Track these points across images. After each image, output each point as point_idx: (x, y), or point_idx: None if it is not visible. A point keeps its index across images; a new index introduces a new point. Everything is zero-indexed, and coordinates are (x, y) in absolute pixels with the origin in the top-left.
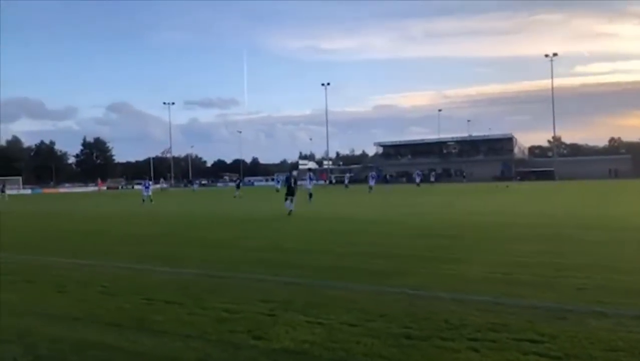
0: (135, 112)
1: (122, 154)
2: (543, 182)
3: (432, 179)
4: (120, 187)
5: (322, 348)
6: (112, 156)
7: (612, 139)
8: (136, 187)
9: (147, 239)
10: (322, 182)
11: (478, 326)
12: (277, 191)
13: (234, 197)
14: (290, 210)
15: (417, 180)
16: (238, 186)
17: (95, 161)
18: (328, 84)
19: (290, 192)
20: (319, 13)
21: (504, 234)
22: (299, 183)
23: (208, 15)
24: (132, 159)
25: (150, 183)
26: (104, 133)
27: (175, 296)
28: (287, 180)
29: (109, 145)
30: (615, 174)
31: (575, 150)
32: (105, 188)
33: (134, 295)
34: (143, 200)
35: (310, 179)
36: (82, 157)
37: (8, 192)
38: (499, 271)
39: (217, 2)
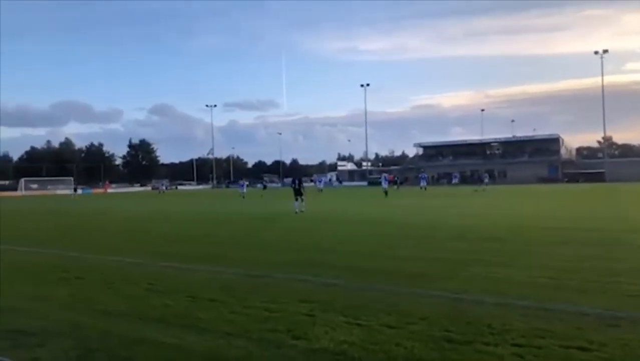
0: (176, 114)
1: (165, 155)
2: (592, 184)
3: (486, 180)
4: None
5: (361, 349)
6: (157, 157)
7: None
8: (179, 187)
9: (191, 239)
10: (384, 184)
11: (523, 332)
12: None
13: (261, 196)
14: (301, 210)
15: (422, 183)
16: (264, 187)
17: (140, 162)
18: (367, 84)
19: (297, 193)
20: (357, 14)
21: (551, 238)
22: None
23: (246, 19)
24: (176, 160)
25: (246, 183)
26: (147, 135)
27: (219, 294)
28: (293, 182)
29: (154, 146)
30: None
31: (628, 151)
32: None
33: (179, 293)
34: (243, 197)
35: (320, 181)
36: (128, 158)
37: (60, 192)
38: (544, 275)
39: (255, 6)
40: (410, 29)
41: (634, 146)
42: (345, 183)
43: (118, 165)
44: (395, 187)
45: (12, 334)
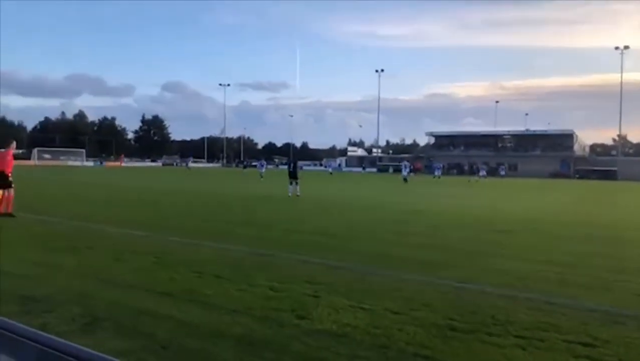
0: (189, 92)
1: (177, 132)
2: (604, 182)
3: (502, 172)
4: (175, 164)
5: (364, 332)
6: (168, 133)
7: None
8: (190, 164)
9: (196, 215)
10: (410, 172)
11: (526, 324)
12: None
13: (260, 178)
14: (296, 194)
15: (437, 173)
16: (245, 166)
17: (152, 138)
18: (382, 70)
19: (292, 176)
20: None
21: (560, 233)
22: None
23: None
24: (187, 138)
25: (265, 163)
26: (159, 111)
27: (224, 271)
28: (289, 165)
29: (166, 123)
30: None
31: None
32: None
33: (186, 268)
34: (261, 176)
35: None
36: (140, 133)
37: (71, 163)
38: (552, 270)
39: None
40: (430, 16)
41: None
42: (354, 169)
43: (130, 140)
44: (413, 174)
45: (22, 299)
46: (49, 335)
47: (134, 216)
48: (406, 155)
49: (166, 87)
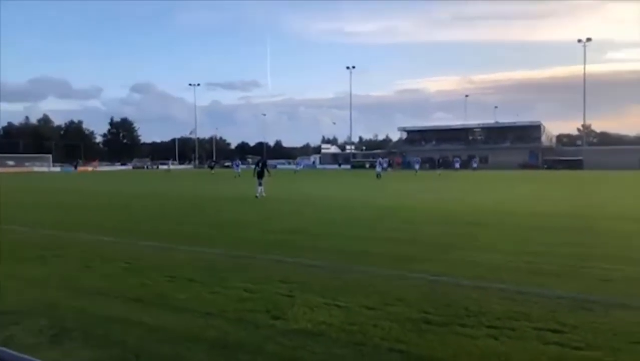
0: (158, 93)
1: (147, 134)
2: (571, 171)
3: (475, 165)
4: (145, 167)
5: (339, 330)
6: (138, 136)
7: None
8: (161, 167)
9: (170, 218)
10: (386, 168)
11: (498, 314)
12: (237, 176)
13: (212, 174)
14: (262, 195)
15: (416, 167)
16: (211, 167)
17: (122, 141)
18: (353, 67)
19: (260, 175)
20: None
21: (529, 223)
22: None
23: None
24: (157, 140)
25: (240, 162)
26: (128, 113)
27: (198, 274)
28: (257, 164)
29: (136, 125)
30: None
31: (606, 139)
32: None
33: (158, 273)
34: (238, 176)
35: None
36: (109, 136)
37: (37, 169)
38: (522, 259)
39: None
40: (398, 12)
41: (611, 134)
42: (328, 166)
43: (98, 143)
44: (391, 169)
45: None
46: (9, 351)
47: (105, 222)
48: (380, 151)
49: (135, 88)
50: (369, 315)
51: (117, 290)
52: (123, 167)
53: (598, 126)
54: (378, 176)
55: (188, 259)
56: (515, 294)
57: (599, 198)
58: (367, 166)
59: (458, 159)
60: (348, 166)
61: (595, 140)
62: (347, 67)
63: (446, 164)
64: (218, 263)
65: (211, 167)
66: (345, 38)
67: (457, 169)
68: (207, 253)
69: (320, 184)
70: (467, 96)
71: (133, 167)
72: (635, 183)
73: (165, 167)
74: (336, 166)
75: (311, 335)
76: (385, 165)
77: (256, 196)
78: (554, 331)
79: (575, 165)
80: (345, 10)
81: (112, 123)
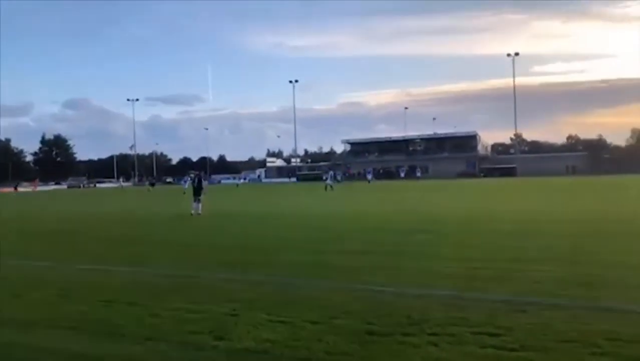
0: (94, 108)
1: (83, 151)
2: (505, 178)
3: (418, 174)
4: (82, 185)
5: (283, 346)
6: (73, 153)
7: (569, 137)
8: (98, 185)
9: (109, 239)
10: (329, 180)
11: (439, 321)
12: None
13: (184, 193)
14: (198, 213)
15: (369, 177)
16: (152, 184)
17: (55, 159)
18: (296, 81)
19: (197, 192)
20: (285, 10)
21: (469, 230)
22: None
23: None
24: (94, 157)
25: (188, 178)
26: (62, 130)
27: (139, 297)
28: (193, 180)
29: (70, 143)
30: (572, 171)
31: (536, 147)
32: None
33: (95, 297)
34: (184, 192)
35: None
36: (40, 155)
37: None
38: (462, 265)
39: None
40: (338, 27)
41: (541, 142)
42: (274, 180)
43: (29, 162)
44: (338, 180)
45: None
46: None
47: (37, 245)
48: (325, 163)
49: (68, 104)
50: (313, 330)
51: (49, 319)
52: (56, 187)
53: (529, 135)
54: (327, 188)
55: (127, 281)
56: (456, 300)
57: (530, 203)
58: (324, 178)
59: (404, 168)
60: (294, 179)
61: (526, 148)
62: (290, 81)
63: (389, 175)
64: (160, 284)
65: (152, 185)
66: (289, 52)
67: (402, 178)
68: (149, 274)
69: (263, 199)
70: (406, 108)
71: (68, 187)
72: (562, 188)
73: (114, 185)
74: (282, 180)
75: (255, 353)
76: (339, 177)
77: (191, 214)
78: (491, 334)
79: (510, 172)
80: (288, 25)
81: (43, 140)
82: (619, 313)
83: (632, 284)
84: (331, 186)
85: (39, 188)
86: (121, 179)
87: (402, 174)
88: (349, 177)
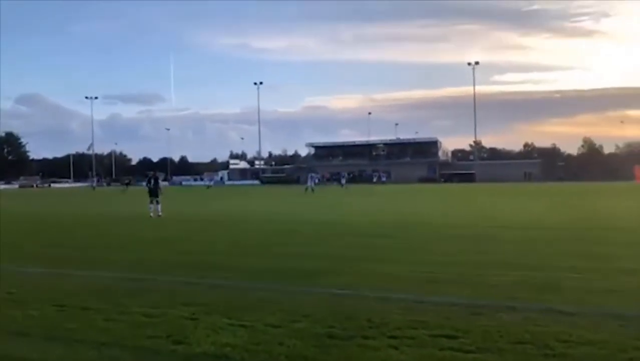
0: (48, 105)
1: (37, 150)
2: (465, 184)
3: (383, 178)
4: (34, 185)
5: (243, 350)
6: (26, 152)
7: (526, 144)
8: (52, 185)
9: (64, 241)
10: (310, 182)
11: (399, 324)
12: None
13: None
14: (158, 214)
15: (343, 181)
16: (127, 184)
17: (6, 158)
18: (261, 83)
19: (153, 193)
20: (250, 11)
21: (430, 234)
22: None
23: (132, 6)
24: (49, 155)
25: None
26: (14, 127)
27: (92, 301)
28: (148, 181)
29: (23, 141)
30: (529, 177)
31: (494, 154)
32: None
33: (46, 302)
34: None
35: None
36: None
37: None
38: (423, 269)
39: None
40: (303, 30)
41: (499, 149)
42: (237, 182)
43: None
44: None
45: None
46: None
47: None
48: (289, 166)
49: (20, 100)
50: (274, 333)
51: None
52: (7, 187)
53: (488, 141)
54: (307, 190)
55: (81, 285)
56: (415, 303)
57: (489, 208)
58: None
59: (377, 173)
60: (257, 182)
61: (485, 155)
62: (255, 83)
63: (355, 179)
64: (116, 288)
65: (127, 184)
66: (253, 54)
67: (374, 182)
68: (105, 278)
69: (229, 201)
70: (369, 113)
71: (20, 186)
72: (519, 193)
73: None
74: (245, 182)
75: (215, 357)
76: (316, 180)
77: (150, 215)
78: (449, 336)
79: (469, 178)
80: (252, 27)
81: None
82: (571, 316)
83: (583, 288)
84: (312, 189)
85: None
86: (95, 179)
87: (375, 179)
88: (324, 181)
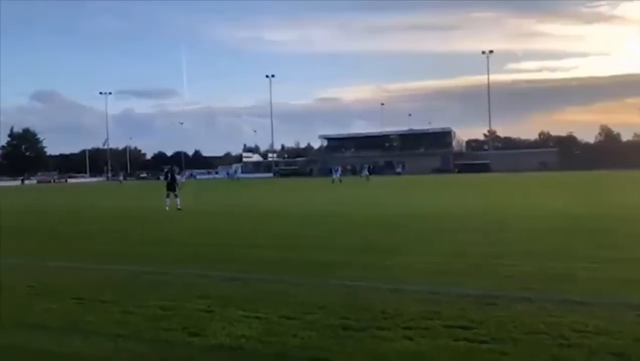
0: (64, 102)
1: (53, 146)
2: (479, 174)
3: (399, 170)
4: (52, 180)
5: (258, 342)
6: (43, 148)
7: (541, 133)
8: (69, 180)
9: (81, 235)
10: (335, 175)
11: (413, 315)
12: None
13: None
14: (178, 208)
15: (365, 173)
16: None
17: (24, 153)
18: (273, 75)
19: (170, 187)
20: (262, 4)
21: (443, 225)
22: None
23: (143, 2)
24: (66, 151)
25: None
26: (30, 123)
27: (110, 294)
28: (166, 175)
29: (40, 137)
30: (544, 166)
31: (509, 143)
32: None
33: (66, 295)
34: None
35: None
36: (8, 149)
37: None
38: (435, 261)
39: None
40: (315, 22)
41: (514, 139)
42: (250, 175)
43: None
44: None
45: None
46: None
47: (4, 241)
48: (301, 158)
49: (36, 96)
50: (288, 325)
51: (17, 317)
52: (25, 183)
53: (502, 131)
54: (333, 181)
55: (99, 278)
56: (429, 294)
57: (504, 199)
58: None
59: (400, 163)
60: (270, 175)
61: (500, 145)
62: (267, 76)
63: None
64: (133, 282)
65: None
66: (265, 46)
67: (397, 173)
68: (122, 272)
69: (249, 194)
70: (382, 104)
71: (38, 182)
72: (535, 184)
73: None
74: (259, 175)
75: (230, 349)
76: (340, 172)
77: (166, 209)
78: (463, 327)
79: (484, 168)
80: (264, 19)
81: (12, 134)
82: (587, 306)
83: (600, 278)
84: (340, 180)
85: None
86: (121, 174)
87: (398, 169)
88: (347, 173)
